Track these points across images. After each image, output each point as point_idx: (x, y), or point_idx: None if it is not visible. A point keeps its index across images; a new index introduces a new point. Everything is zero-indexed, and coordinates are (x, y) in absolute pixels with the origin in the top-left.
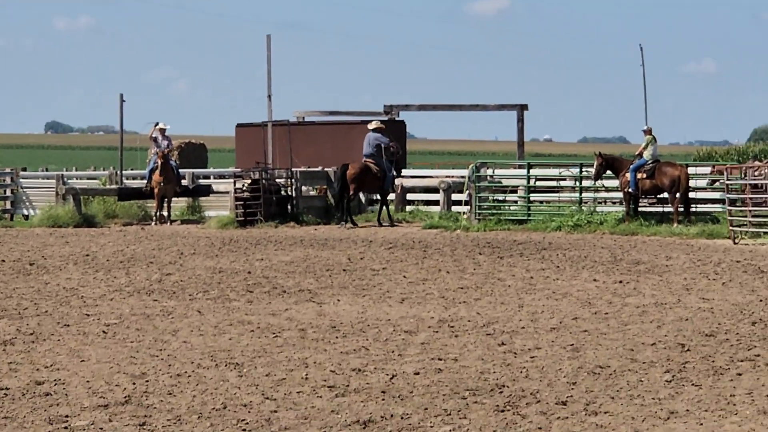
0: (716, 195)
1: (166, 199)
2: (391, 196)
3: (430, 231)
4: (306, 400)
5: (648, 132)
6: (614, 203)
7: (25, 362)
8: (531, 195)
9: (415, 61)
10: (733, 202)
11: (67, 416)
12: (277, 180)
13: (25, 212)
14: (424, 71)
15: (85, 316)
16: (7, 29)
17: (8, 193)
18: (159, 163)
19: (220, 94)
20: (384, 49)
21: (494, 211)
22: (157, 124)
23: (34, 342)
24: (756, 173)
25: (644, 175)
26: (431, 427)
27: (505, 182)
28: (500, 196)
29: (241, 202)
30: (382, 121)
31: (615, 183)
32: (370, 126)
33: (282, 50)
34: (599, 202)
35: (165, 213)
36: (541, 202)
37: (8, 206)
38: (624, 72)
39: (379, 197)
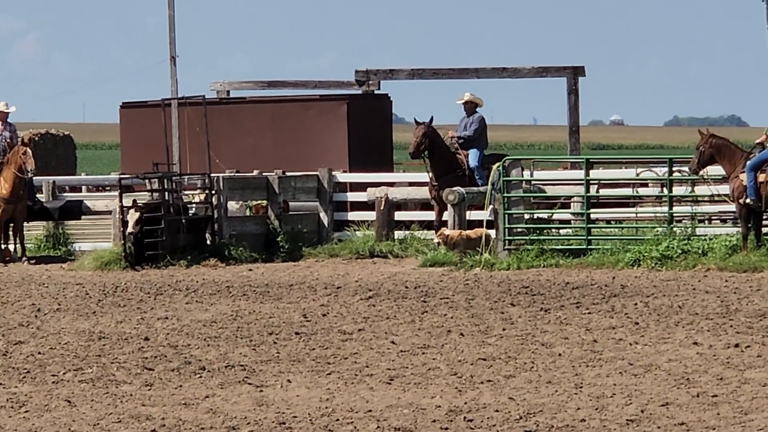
0: None
1: (12, 225)
2: (371, 215)
3: (432, 270)
4: None
5: None
6: (725, 222)
7: None
8: (592, 211)
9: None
10: None
11: None
12: (189, 193)
13: None
14: (416, 18)
15: None
16: None
17: None
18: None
19: (93, 55)
20: None
21: (534, 237)
22: None
23: None
24: None
25: None
26: None
27: (550, 191)
28: (543, 214)
29: (133, 229)
30: (356, 96)
31: (726, 188)
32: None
33: None
34: (701, 220)
35: (12, 246)
36: (609, 221)
37: None
38: (736, 13)
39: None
